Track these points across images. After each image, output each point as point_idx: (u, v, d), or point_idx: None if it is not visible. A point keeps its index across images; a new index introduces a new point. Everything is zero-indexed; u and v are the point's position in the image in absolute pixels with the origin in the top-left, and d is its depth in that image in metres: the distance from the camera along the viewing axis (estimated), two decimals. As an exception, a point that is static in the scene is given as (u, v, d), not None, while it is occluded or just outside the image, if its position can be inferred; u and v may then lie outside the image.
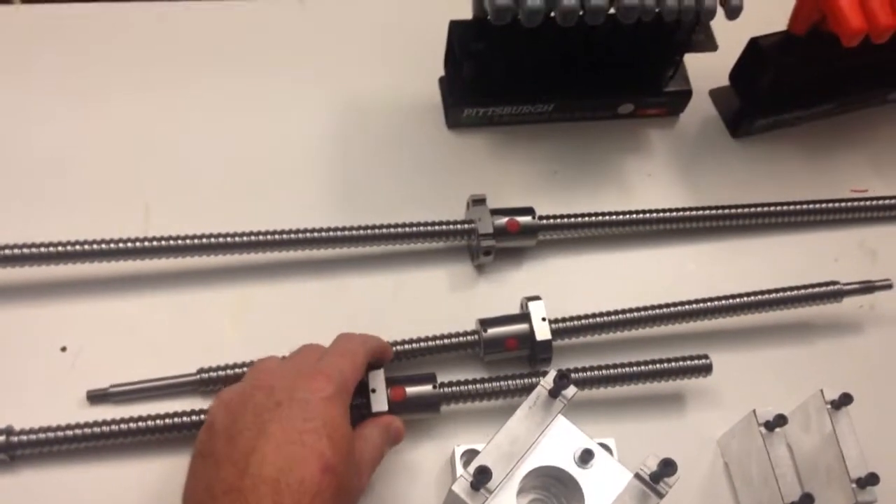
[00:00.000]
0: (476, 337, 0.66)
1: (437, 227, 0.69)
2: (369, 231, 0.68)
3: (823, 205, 0.77)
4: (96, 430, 0.59)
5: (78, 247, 0.63)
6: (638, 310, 0.68)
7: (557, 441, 0.59)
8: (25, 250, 0.62)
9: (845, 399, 0.60)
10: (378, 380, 0.61)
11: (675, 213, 0.74)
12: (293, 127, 0.77)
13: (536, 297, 0.66)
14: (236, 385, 0.55)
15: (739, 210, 0.75)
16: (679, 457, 0.53)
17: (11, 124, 0.73)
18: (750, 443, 0.62)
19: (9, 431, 0.58)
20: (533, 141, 0.79)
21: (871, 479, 0.57)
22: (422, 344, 0.65)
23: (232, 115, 0.77)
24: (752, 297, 0.69)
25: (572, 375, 0.65)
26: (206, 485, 0.50)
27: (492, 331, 0.65)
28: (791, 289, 0.70)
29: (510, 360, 0.67)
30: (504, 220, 0.70)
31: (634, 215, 0.73)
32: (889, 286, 0.71)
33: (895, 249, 0.77)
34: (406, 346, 0.65)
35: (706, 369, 0.66)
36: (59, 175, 0.71)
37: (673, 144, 0.81)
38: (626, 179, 0.78)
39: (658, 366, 0.66)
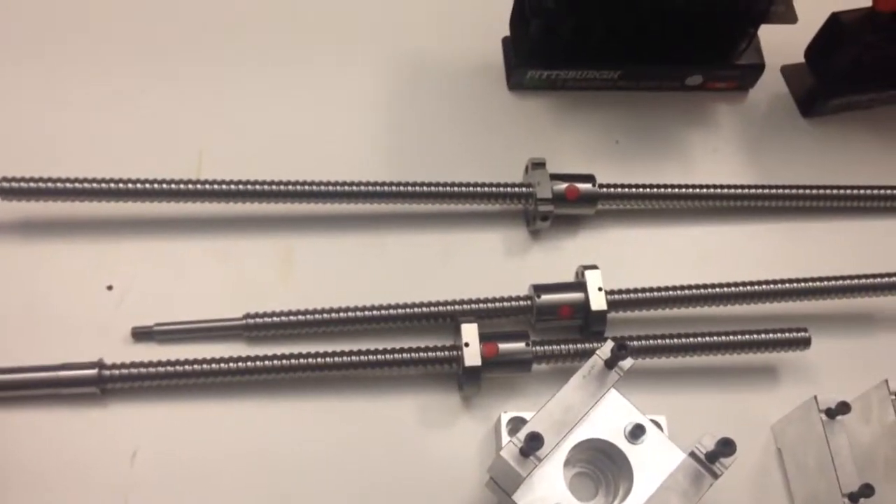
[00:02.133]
0: (529, 303, 0.64)
1: (493, 189, 0.67)
2: (422, 188, 0.67)
3: (889, 191, 0.74)
4: (188, 368, 0.59)
5: (130, 185, 0.62)
6: (700, 287, 0.66)
7: (608, 414, 0.57)
8: (79, 185, 0.62)
9: (913, 390, 0.57)
10: (472, 334, 0.60)
11: (739, 191, 0.71)
12: (351, 83, 0.75)
13: (594, 266, 0.64)
14: None
15: (805, 191, 0.72)
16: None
17: (81, 72, 0.73)
18: (808, 430, 0.59)
19: (101, 365, 0.58)
20: (596, 108, 0.77)
21: (936, 475, 0.54)
22: (472, 306, 0.63)
23: (290, 71, 0.75)
24: (819, 283, 0.67)
25: (660, 342, 0.63)
26: None
27: (545, 297, 0.64)
28: (856, 277, 0.68)
29: (561, 330, 0.65)
30: (563, 185, 0.68)
31: (698, 189, 0.71)
32: None
33: (967, 242, 0.74)
34: (455, 307, 0.63)
35: (804, 342, 0.64)
36: (121, 120, 0.71)
37: (741, 120, 0.78)
38: (690, 153, 0.76)
39: (754, 336, 0.64)
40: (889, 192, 0.74)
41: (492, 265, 0.69)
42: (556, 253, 0.70)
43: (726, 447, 0.51)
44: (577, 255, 0.69)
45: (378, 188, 0.66)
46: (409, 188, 0.67)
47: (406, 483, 0.60)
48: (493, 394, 0.63)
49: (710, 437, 0.53)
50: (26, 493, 0.56)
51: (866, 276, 0.68)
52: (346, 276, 0.66)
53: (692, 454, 0.53)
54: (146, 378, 0.58)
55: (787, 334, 0.64)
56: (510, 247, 0.70)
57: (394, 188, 0.66)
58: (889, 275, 0.68)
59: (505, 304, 0.64)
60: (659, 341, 0.63)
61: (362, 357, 0.61)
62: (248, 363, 0.59)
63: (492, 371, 0.60)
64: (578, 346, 0.62)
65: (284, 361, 0.60)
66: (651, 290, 0.65)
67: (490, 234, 0.70)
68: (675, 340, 0.64)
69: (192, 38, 0.76)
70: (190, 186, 0.63)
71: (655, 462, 0.56)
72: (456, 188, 0.67)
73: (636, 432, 0.57)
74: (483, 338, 0.60)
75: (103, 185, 0.62)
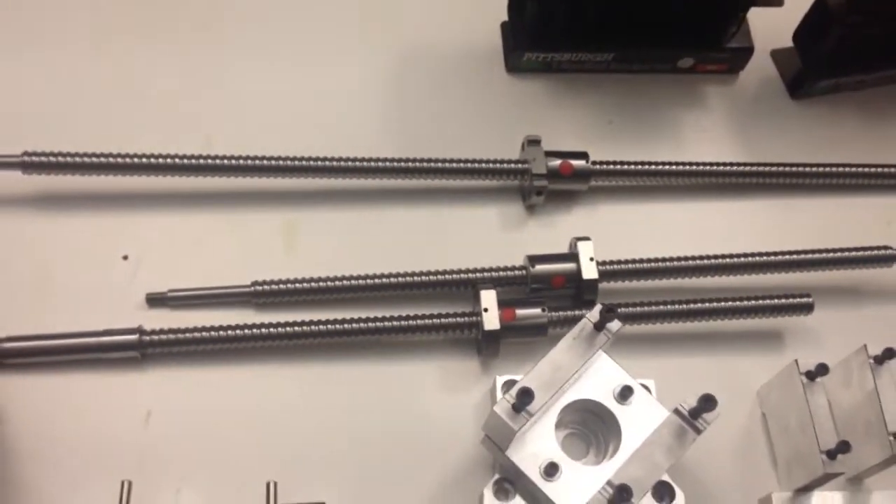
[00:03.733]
0: (523, 272, 0.67)
1: (490, 165, 0.70)
2: (421, 164, 0.70)
3: (879, 168, 0.76)
4: (223, 333, 0.61)
5: (145, 159, 0.65)
6: (691, 258, 0.68)
7: (598, 377, 0.60)
8: (98, 159, 0.65)
9: (889, 353, 0.60)
10: (490, 299, 0.63)
11: (728, 168, 0.74)
12: (355, 65, 0.78)
13: (586, 238, 0.67)
14: None
15: (793, 168, 0.75)
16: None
17: (89, 51, 0.75)
18: (790, 392, 0.62)
19: (141, 331, 0.61)
20: (590, 89, 0.79)
21: (911, 433, 0.57)
22: (469, 275, 0.66)
23: (294, 53, 0.78)
24: (804, 256, 0.70)
25: (661, 307, 0.66)
26: None
27: (539, 267, 0.66)
28: (842, 250, 0.70)
29: (555, 300, 0.68)
30: (558, 161, 0.70)
31: (687, 166, 0.73)
32: None
33: (951, 217, 0.77)
34: (451, 276, 0.66)
35: (808, 307, 0.67)
36: (131, 99, 0.73)
37: (730, 102, 0.81)
38: (680, 133, 0.79)
39: (757, 301, 0.67)
40: (875, 170, 0.76)
41: (488, 239, 0.71)
42: (551, 227, 0.72)
43: (708, 403, 0.54)
44: (571, 229, 0.71)
45: (378, 164, 0.69)
46: (409, 164, 0.69)
47: (422, 445, 0.63)
48: (511, 358, 0.66)
49: (692, 395, 0.56)
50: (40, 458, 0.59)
51: (853, 249, 0.70)
52: (346, 247, 0.69)
53: (676, 411, 0.56)
54: (184, 343, 0.61)
55: (790, 300, 0.67)
56: (506, 221, 0.72)
57: (393, 164, 0.69)
58: (877, 248, 0.70)
59: (500, 273, 0.66)
60: (650, 308, 0.66)
61: (385, 323, 0.64)
62: (282, 328, 0.62)
63: (509, 336, 0.63)
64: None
65: (317, 327, 0.63)
66: (642, 260, 0.68)
67: (487, 209, 0.73)
68: (666, 307, 0.66)
69: (201, 20, 0.78)
70: (200, 161, 0.66)
71: (643, 421, 0.59)
72: (454, 164, 0.70)
73: (625, 393, 0.59)
74: (502, 304, 0.63)
75: (121, 159, 0.65)
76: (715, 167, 0.74)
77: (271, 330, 0.62)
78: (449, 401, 0.64)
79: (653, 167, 0.73)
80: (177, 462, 0.60)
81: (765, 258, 0.69)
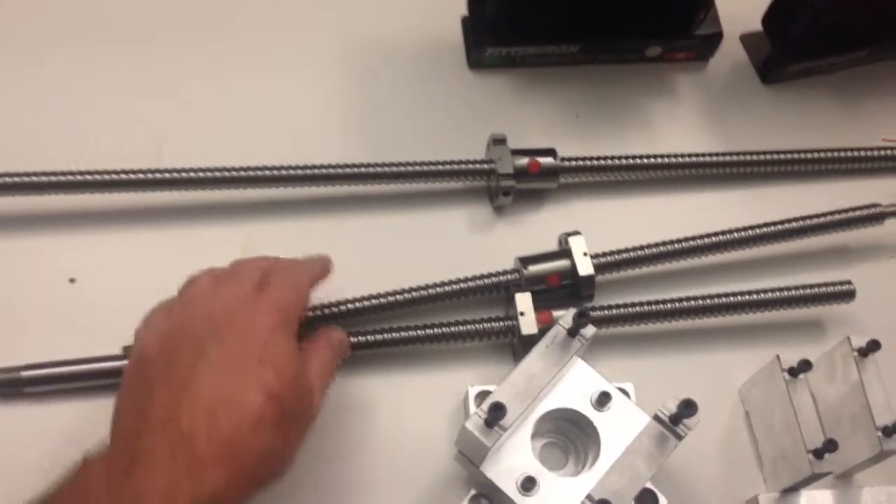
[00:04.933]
0: (516, 276, 0.64)
1: (455, 167, 0.67)
2: (384, 168, 0.67)
3: (854, 153, 0.74)
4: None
5: (89, 177, 0.62)
6: (680, 241, 0.66)
7: (574, 383, 0.58)
8: (38, 178, 0.62)
9: (873, 346, 0.58)
10: (526, 303, 0.61)
11: (701, 158, 0.72)
12: (310, 68, 0.75)
13: (576, 232, 0.65)
14: (165, 311, 0.52)
15: (767, 156, 0.73)
16: (699, 404, 0.52)
17: (27, 61, 0.72)
18: (772, 389, 0.60)
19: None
20: (556, 83, 0.77)
21: (899, 428, 0.55)
22: (454, 286, 0.63)
23: (247, 57, 0.75)
24: (791, 225, 0.68)
25: (640, 308, 0.64)
26: (139, 409, 0.47)
27: (533, 268, 0.64)
28: (829, 213, 0.69)
29: (551, 300, 0.64)
30: (525, 160, 0.68)
31: (659, 159, 0.71)
32: None
33: (928, 201, 0.75)
34: (439, 290, 0.63)
35: (849, 295, 0.65)
36: (77, 111, 0.70)
37: (701, 90, 0.78)
38: (651, 124, 0.76)
39: (796, 292, 0.65)
40: (852, 154, 0.74)
41: (457, 242, 0.69)
42: (521, 227, 0.70)
43: (688, 408, 0.52)
44: (541, 229, 0.69)
45: (339, 170, 0.66)
46: (370, 169, 0.67)
47: (395, 460, 0.60)
48: (461, 368, 0.64)
49: (672, 399, 0.53)
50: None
51: (835, 213, 0.69)
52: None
53: (656, 417, 0.54)
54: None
55: (832, 288, 0.65)
56: (474, 224, 0.70)
57: (355, 170, 0.66)
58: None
59: (491, 280, 0.64)
60: (628, 310, 0.64)
61: (420, 332, 0.62)
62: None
63: None
64: (624, 310, 0.63)
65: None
66: (637, 248, 0.66)
67: (453, 212, 0.70)
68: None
69: (149, 24, 0.75)
70: (150, 176, 0.63)
71: (622, 428, 0.56)
72: (417, 167, 0.67)
73: (602, 399, 0.57)
74: (536, 307, 0.62)
75: (62, 178, 0.62)
76: (688, 158, 0.71)
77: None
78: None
79: (624, 161, 0.70)
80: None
81: (755, 231, 0.68)
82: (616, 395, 0.57)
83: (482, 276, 0.64)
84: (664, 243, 0.66)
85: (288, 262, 0.57)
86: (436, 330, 0.62)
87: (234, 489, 0.45)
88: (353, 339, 0.61)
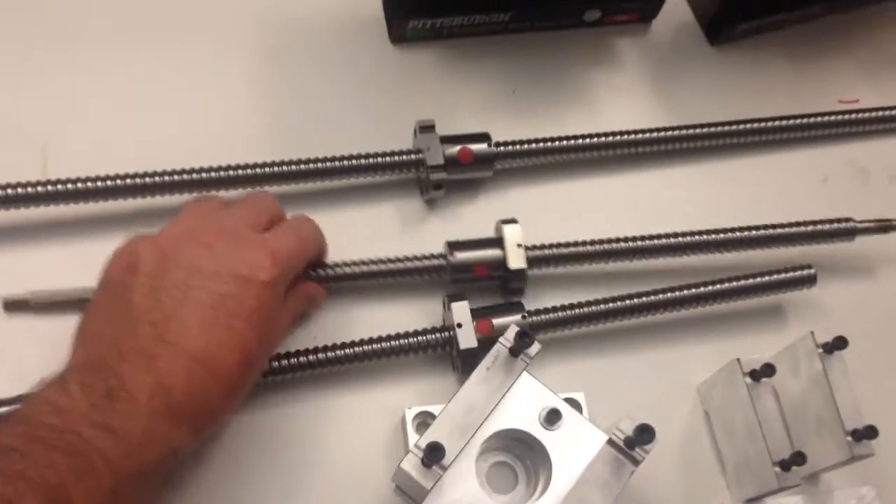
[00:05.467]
0: (442, 261, 0.58)
1: (379, 160, 0.61)
2: (305, 166, 0.60)
3: (810, 119, 0.69)
4: None
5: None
6: (627, 239, 0.61)
7: (521, 400, 0.52)
8: None
9: (839, 343, 0.54)
10: (463, 313, 0.56)
11: (647, 135, 0.66)
12: (218, 55, 0.67)
13: (513, 220, 0.59)
14: (173, 229, 0.51)
15: (718, 129, 0.67)
16: (655, 405, 0.48)
17: None
18: (733, 393, 0.56)
19: None
20: (488, 56, 0.70)
21: (869, 433, 0.51)
22: (381, 266, 0.58)
23: (146, 49, 0.66)
24: (755, 233, 0.62)
25: (582, 310, 0.59)
26: (114, 337, 0.46)
27: (460, 255, 0.58)
28: (795, 224, 0.63)
29: (479, 290, 0.60)
30: (456, 148, 0.62)
31: (603, 138, 0.65)
32: None
33: (889, 167, 0.70)
34: (363, 268, 0.58)
35: (810, 280, 0.60)
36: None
37: (645, 55, 0.73)
38: (593, 96, 0.70)
39: (755, 280, 0.60)
40: (805, 121, 0.69)
41: (388, 240, 0.63)
42: (455, 220, 0.64)
43: (644, 434, 0.47)
44: (477, 220, 0.63)
45: (255, 171, 0.59)
46: (291, 167, 0.60)
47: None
48: (399, 383, 0.58)
49: (627, 420, 0.49)
50: None
51: (803, 224, 0.63)
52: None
53: (610, 441, 0.49)
54: None
55: (790, 273, 0.61)
56: (405, 218, 0.64)
57: (273, 169, 0.59)
58: (826, 221, 0.64)
59: (416, 263, 0.58)
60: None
61: (354, 350, 0.56)
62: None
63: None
64: (577, 311, 0.58)
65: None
66: (576, 243, 0.61)
67: (383, 207, 0.64)
68: (691, 291, 0.60)
69: (32, 17, 0.66)
70: (31, 190, 0.56)
71: (574, 447, 0.52)
72: (340, 163, 0.61)
73: (551, 418, 0.52)
74: (474, 315, 0.56)
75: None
76: (632, 136, 0.66)
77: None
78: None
79: (564, 143, 0.64)
80: None
81: (710, 237, 0.62)
82: (566, 412, 0.52)
83: (409, 259, 0.59)
84: (611, 241, 0.61)
85: (304, 217, 0.57)
86: (369, 347, 0.56)
87: (193, 444, 0.47)
88: (280, 363, 0.55)
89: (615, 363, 0.61)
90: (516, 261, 0.59)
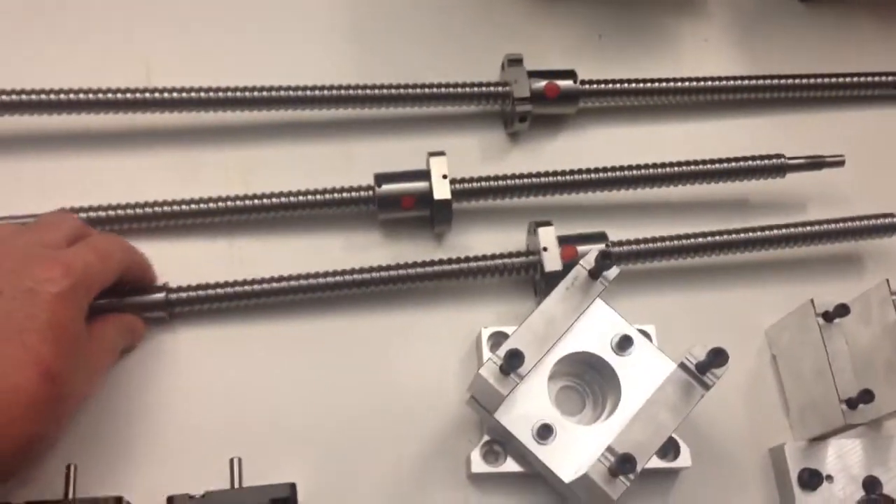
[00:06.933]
0: (370, 193, 0.59)
1: (467, 89, 0.63)
2: (390, 91, 0.62)
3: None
4: (247, 288, 0.56)
5: (74, 96, 0.58)
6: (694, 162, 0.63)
7: (594, 326, 0.54)
8: (16, 97, 0.57)
9: (916, 290, 0.54)
10: (549, 238, 0.58)
11: (731, 82, 0.67)
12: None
13: (440, 153, 0.60)
14: None
15: (804, 80, 0.68)
16: (723, 346, 0.48)
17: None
18: (804, 335, 0.56)
19: (167, 289, 0.55)
20: (577, 0, 0.71)
21: (938, 378, 0.52)
22: (310, 197, 0.59)
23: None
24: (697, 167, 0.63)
25: (668, 244, 0.60)
26: None
27: (386, 187, 0.59)
28: (732, 160, 0.64)
29: (409, 222, 0.61)
30: (543, 83, 0.63)
31: (687, 83, 0.66)
32: (841, 163, 0.64)
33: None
34: (292, 199, 0.59)
35: (891, 228, 0.62)
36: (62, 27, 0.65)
37: (734, 7, 0.73)
38: (679, 45, 0.71)
39: (834, 226, 0.61)
40: (891, 78, 0.69)
41: (469, 171, 0.64)
42: (537, 155, 0.65)
43: (717, 357, 0.48)
44: (558, 157, 0.65)
45: (343, 92, 0.61)
46: (376, 91, 0.62)
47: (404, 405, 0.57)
48: (473, 308, 0.60)
49: (700, 346, 0.50)
50: None
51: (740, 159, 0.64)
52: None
53: (682, 365, 0.50)
54: (208, 301, 0.56)
55: (873, 221, 0.61)
56: (487, 151, 0.65)
57: (360, 91, 0.62)
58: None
59: (344, 194, 0.59)
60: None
61: (437, 268, 0.58)
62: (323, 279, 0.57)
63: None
64: (659, 244, 0.60)
65: (355, 276, 0.57)
66: (508, 177, 0.61)
67: (466, 138, 0.65)
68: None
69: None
70: (139, 96, 0.59)
71: (644, 374, 0.53)
72: (426, 90, 0.62)
73: (623, 344, 0.54)
74: (560, 241, 0.58)
75: (42, 97, 0.57)
76: (716, 83, 0.66)
77: (254, 286, 0.57)
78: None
79: (649, 85, 0.65)
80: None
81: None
82: (638, 339, 0.54)
83: (337, 190, 0.59)
84: (669, 165, 0.62)
85: (109, 234, 0.54)
86: (453, 266, 0.58)
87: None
88: (364, 276, 0.57)
89: (686, 302, 0.62)
90: (441, 192, 0.59)
